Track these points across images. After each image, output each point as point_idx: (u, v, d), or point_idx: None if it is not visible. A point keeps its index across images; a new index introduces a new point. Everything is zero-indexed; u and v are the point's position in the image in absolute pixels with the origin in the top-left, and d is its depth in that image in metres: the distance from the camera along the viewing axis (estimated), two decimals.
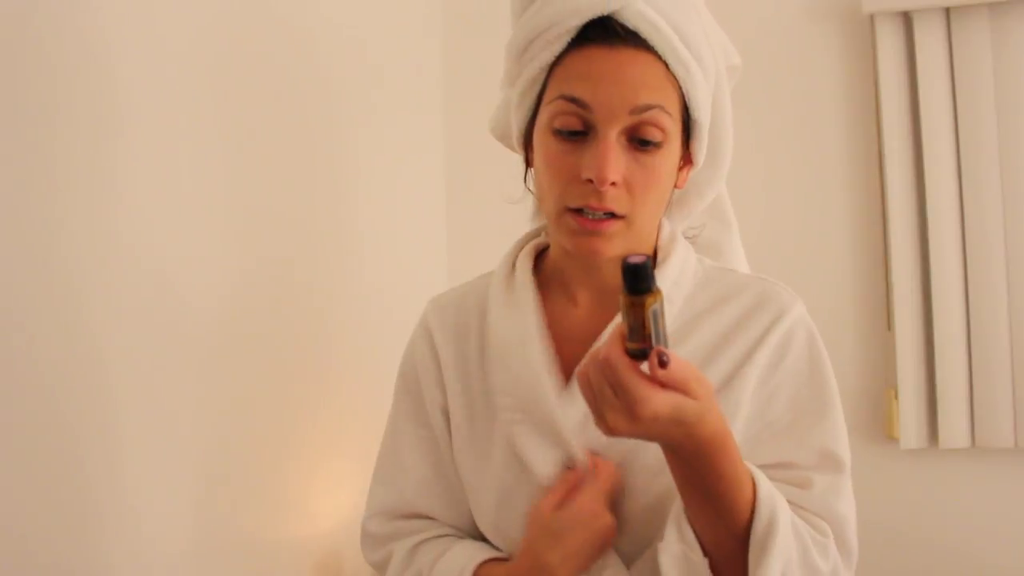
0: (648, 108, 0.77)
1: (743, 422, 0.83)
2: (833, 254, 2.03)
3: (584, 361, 0.70)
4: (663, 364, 0.65)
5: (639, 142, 0.79)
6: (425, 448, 0.94)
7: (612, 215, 0.79)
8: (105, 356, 1.09)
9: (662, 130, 0.79)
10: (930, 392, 1.91)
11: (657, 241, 0.90)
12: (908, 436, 1.89)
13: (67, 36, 1.03)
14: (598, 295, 0.89)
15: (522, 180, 0.94)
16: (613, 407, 0.67)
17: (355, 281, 1.73)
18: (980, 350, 1.86)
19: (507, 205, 0.98)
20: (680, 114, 0.81)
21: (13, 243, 0.96)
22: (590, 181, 0.77)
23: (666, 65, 0.79)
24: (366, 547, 0.96)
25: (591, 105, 0.78)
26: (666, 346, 0.66)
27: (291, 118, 1.53)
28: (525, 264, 0.92)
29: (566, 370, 0.85)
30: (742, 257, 1.07)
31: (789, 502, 0.79)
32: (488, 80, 1.02)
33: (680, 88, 0.80)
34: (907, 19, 1.95)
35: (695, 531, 0.77)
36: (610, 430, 0.68)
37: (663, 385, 0.66)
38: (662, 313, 0.66)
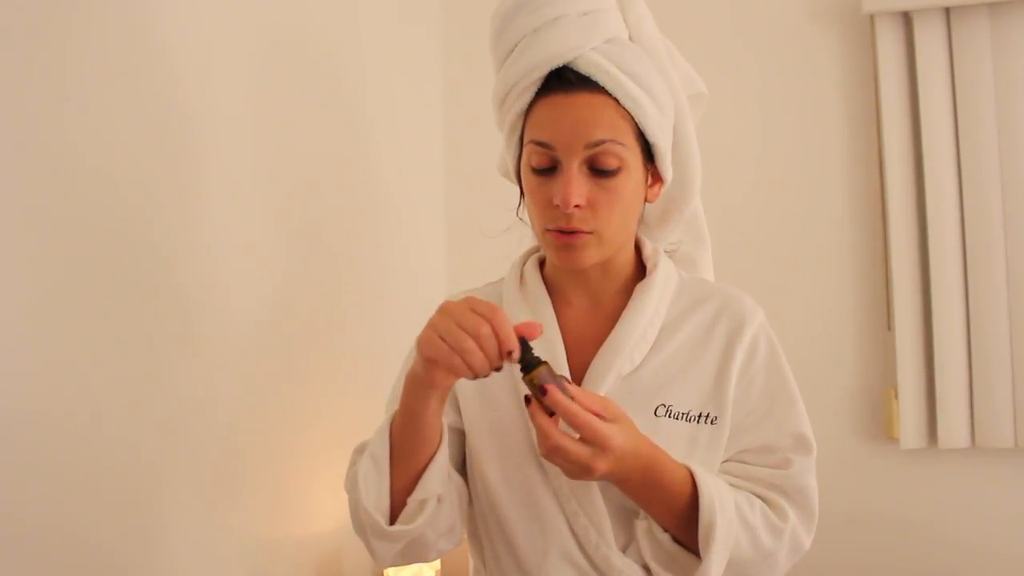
0: (601, 142, 0.91)
1: (732, 406, 0.98)
2: (833, 254, 2.03)
3: (546, 452, 0.84)
4: (566, 391, 0.82)
5: (597, 171, 0.92)
6: None
7: (577, 230, 0.93)
8: (102, 355, 1.09)
9: (618, 157, 0.92)
10: (930, 392, 1.91)
11: (641, 256, 1.05)
12: (908, 436, 1.89)
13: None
14: (589, 297, 1.03)
15: (515, 209, 1.09)
16: (595, 454, 0.83)
17: (356, 288, 1.74)
18: (980, 350, 1.86)
19: (504, 212, 1.10)
20: (638, 141, 0.94)
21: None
22: (559, 206, 0.92)
23: (617, 101, 0.92)
24: (355, 451, 1.02)
25: (554, 145, 0.92)
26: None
27: (305, 132, 1.53)
28: (534, 272, 1.06)
29: (570, 359, 0.99)
30: (711, 272, 1.22)
31: (769, 483, 0.96)
32: (488, 82, 1.03)
33: (634, 119, 0.93)
34: (907, 19, 1.95)
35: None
36: (596, 471, 0.84)
37: (597, 415, 0.83)
38: (552, 371, 0.83)
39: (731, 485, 0.96)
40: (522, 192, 1.03)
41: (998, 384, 1.85)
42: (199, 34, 1.28)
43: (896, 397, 1.93)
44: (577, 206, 0.91)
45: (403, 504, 0.92)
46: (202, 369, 1.27)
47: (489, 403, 1.00)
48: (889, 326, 1.98)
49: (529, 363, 0.82)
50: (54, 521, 1.01)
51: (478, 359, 0.80)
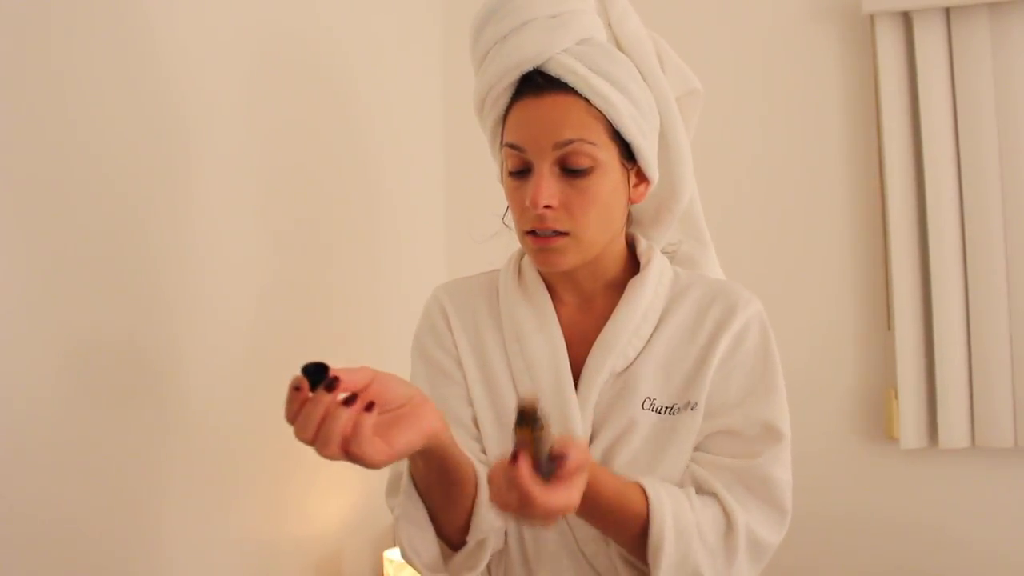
0: (570, 142, 0.91)
1: (709, 389, 0.96)
2: (833, 254, 2.03)
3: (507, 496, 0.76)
4: (563, 463, 0.75)
5: (569, 171, 0.92)
6: (442, 405, 1.02)
7: (557, 232, 0.93)
8: (98, 356, 1.09)
9: (589, 157, 0.92)
10: (930, 392, 1.91)
11: (635, 253, 1.05)
12: (908, 436, 1.89)
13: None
14: (580, 296, 1.03)
15: (502, 215, 1.09)
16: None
17: (355, 287, 1.73)
18: (980, 350, 1.86)
19: (496, 218, 1.11)
20: (613, 140, 0.94)
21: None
22: (530, 207, 0.92)
23: (588, 101, 0.92)
24: (387, 492, 1.00)
25: (524, 147, 0.93)
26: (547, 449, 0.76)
27: (304, 131, 1.53)
28: (532, 268, 1.06)
29: (568, 358, 0.99)
30: (718, 272, 1.19)
31: (731, 475, 0.93)
32: None
33: (607, 119, 0.93)
34: (907, 19, 1.95)
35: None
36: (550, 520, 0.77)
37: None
38: (544, 437, 0.75)
39: (696, 492, 0.93)
40: None
41: (998, 384, 1.85)
42: (194, 32, 1.28)
43: (896, 397, 1.93)
44: (548, 207, 0.91)
45: (462, 542, 0.91)
46: (199, 369, 1.27)
47: (494, 395, 1.01)
48: (889, 326, 1.98)
49: (529, 419, 0.74)
50: (53, 523, 1.01)
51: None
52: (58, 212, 1.03)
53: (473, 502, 0.90)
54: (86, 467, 1.05)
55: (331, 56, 1.68)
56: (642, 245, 1.05)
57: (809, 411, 2.00)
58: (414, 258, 2.04)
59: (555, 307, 1.03)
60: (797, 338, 2.01)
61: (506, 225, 1.08)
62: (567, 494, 0.75)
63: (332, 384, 0.72)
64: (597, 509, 0.87)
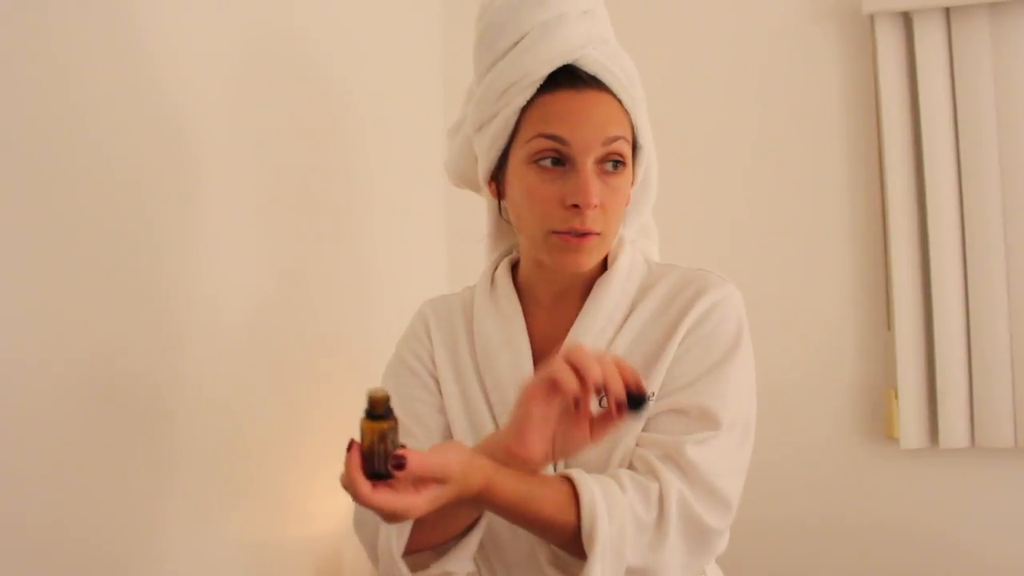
0: (616, 139, 0.92)
1: (665, 374, 0.93)
2: (833, 254, 2.03)
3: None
4: (401, 467, 0.73)
5: (609, 166, 0.92)
6: (408, 406, 1.03)
7: (592, 232, 0.92)
8: (98, 356, 1.09)
9: (623, 156, 0.93)
10: (930, 392, 1.91)
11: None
12: (908, 436, 1.89)
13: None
14: (557, 295, 1.01)
15: (498, 210, 1.07)
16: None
17: (355, 287, 1.73)
18: (980, 350, 1.86)
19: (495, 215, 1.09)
20: (631, 141, 0.96)
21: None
22: (575, 206, 0.90)
23: (619, 101, 0.93)
24: None
25: (569, 141, 0.90)
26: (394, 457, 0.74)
27: (302, 130, 1.53)
28: (505, 277, 1.05)
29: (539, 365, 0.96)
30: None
31: (666, 452, 0.88)
32: None
33: (630, 119, 0.95)
34: (907, 19, 1.95)
35: None
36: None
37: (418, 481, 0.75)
38: (388, 437, 0.74)
39: (631, 469, 0.90)
40: (500, 194, 1.02)
41: (998, 384, 1.85)
42: (189, 29, 1.28)
43: (896, 397, 1.93)
44: (594, 206, 0.90)
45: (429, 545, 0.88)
46: (199, 370, 1.27)
47: (469, 410, 1.01)
48: (889, 326, 1.97)
49: (374, 412, 0.73)
50: (53, 524, 1.01)
51: None
52: (59, 214, 1.03)
53: (468, 530, 0.88)
54: (86, 468, 1.05)
55: (330, 57, 1.68)
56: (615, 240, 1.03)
57: (809, 411, 2.00)
58: (414, 261, 2.04)
59: (528, 317, 1.01)
60: (797, 338, 2.01)
61: (506, 220, 1.05)
62: (405, 500, 0.74)
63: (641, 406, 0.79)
64: (506, 513, 0.83)
